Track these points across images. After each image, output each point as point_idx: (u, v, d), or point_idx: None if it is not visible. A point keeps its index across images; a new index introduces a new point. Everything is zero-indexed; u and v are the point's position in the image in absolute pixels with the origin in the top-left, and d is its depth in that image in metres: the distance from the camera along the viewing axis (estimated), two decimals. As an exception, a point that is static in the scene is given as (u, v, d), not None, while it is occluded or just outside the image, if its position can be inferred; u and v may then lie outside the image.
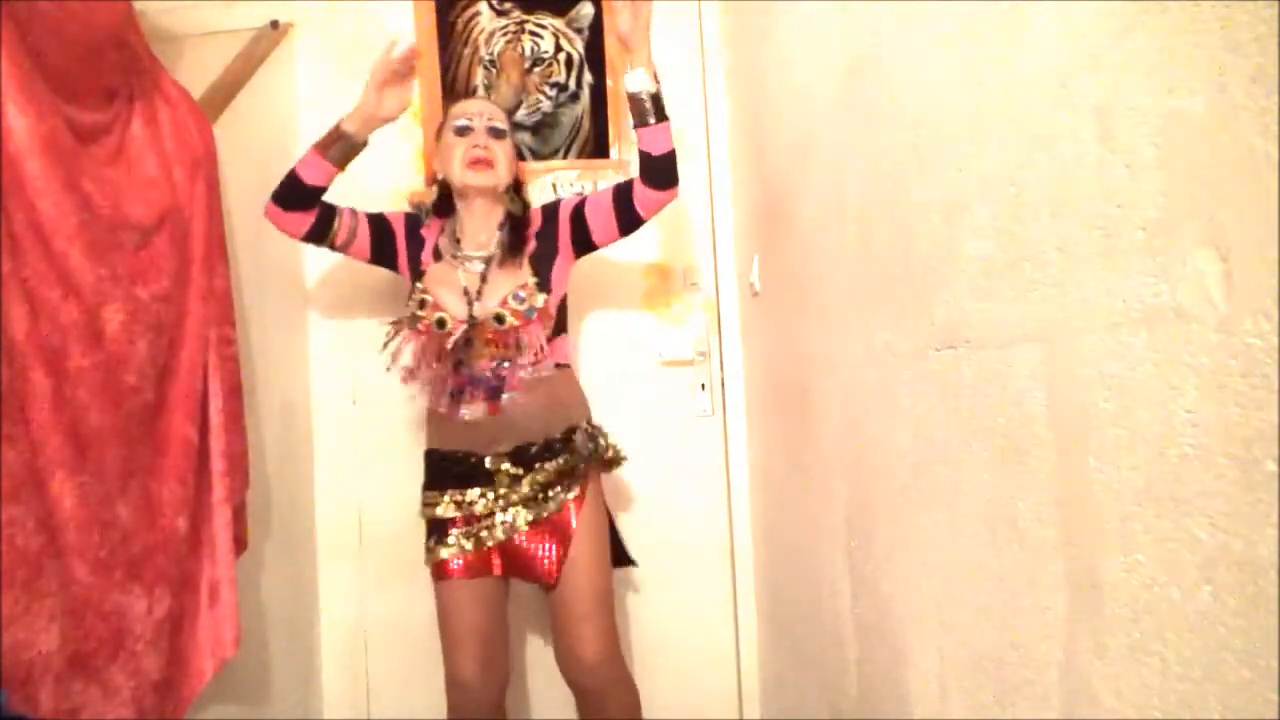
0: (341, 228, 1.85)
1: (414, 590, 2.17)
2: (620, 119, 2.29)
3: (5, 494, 1.25)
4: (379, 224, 1.90)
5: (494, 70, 2.28)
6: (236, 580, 1.67)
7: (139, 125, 1.61)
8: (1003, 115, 0.90)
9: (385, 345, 1.81)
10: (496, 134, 1.85)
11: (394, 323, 1.83)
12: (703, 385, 2.27)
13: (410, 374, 1.82)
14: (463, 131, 1.84)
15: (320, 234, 1.85)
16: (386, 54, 1.78)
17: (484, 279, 1.81)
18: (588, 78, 2.29)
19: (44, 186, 1.35)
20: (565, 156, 2.29)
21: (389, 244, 1.89)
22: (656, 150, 1.75)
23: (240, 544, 1.77)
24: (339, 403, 2.25)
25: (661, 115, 1.75)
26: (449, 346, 1.76)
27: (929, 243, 1.08)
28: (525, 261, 1.83)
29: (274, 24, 2.16)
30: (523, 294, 1.78)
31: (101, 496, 1.41)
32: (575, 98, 2.29)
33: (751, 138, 2.02)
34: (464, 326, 1.76)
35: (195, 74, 1.88)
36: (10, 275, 1.29)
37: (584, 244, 1.87)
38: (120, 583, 1.44)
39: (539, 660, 2.21)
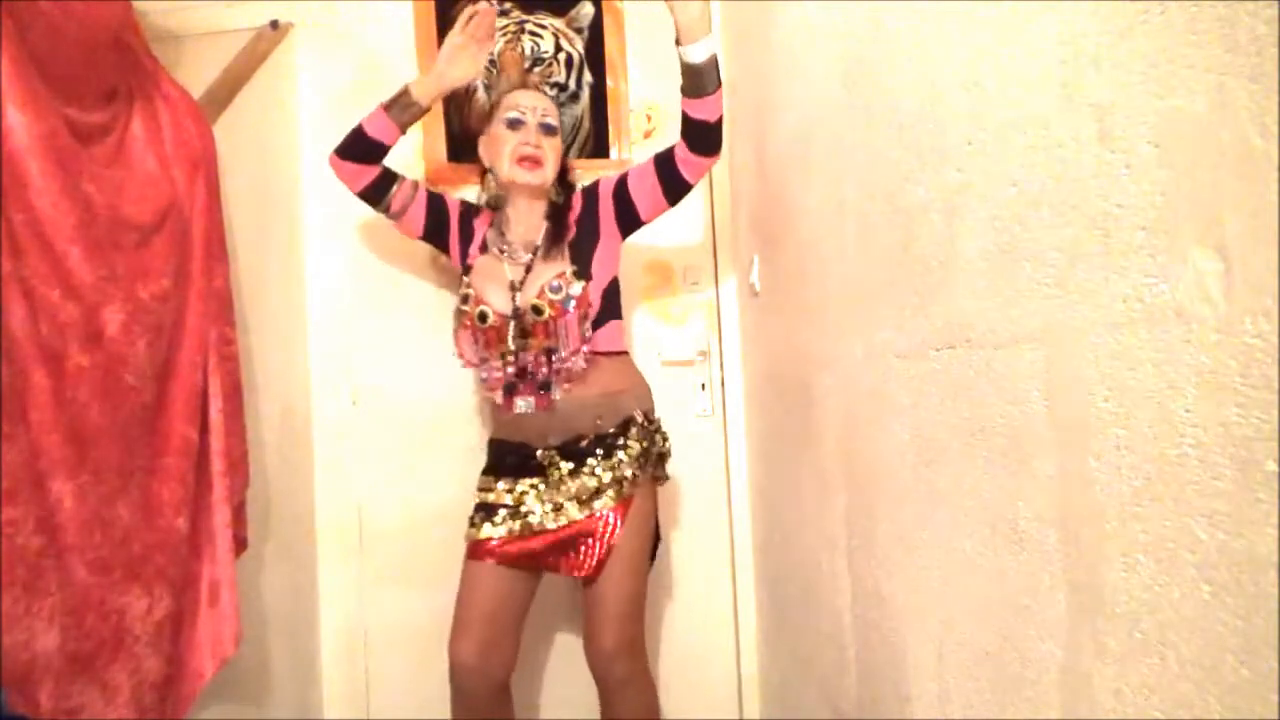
0: (399, 194, 1.87)
1: (414, 590, 2.17)
2: (621, 119, 2.29)
3: (5, 494, 1.25)
4: (436, 203, 1.91)
5: (494, 70, 2.28)
6: (236, 580, 1.67)
7: (139, 125, 1.62)
8: (1003, 115, 0.90)
9: (459, 351, 1.83)
10: (549, 130, 1.85)
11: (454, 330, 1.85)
12: (703, 385, 2.27)
13: (478, 376, 1.83)
14: (514, 125, 1.84)
15: (377, 195, 1.87)
16: (465, 21, 1.79)
17: (528, 270, 1.81)
18: (588, 78, 2.29)
19: (44, 186, 1.35)
20: (565, 156, 2.29)
21: (443, 225, 1.91)
22: (712, 117, 1.73)
23: (240, 544, 1.77)
24: (339, 403, 2.25)
25: (719, 81, 1.72)
26: (510, 344, 1.76)
27: (929, 243, 1.08)
28: (565, 250, 1.82)
29: (274, 24, 2.16)
30: (558, 283, 1.77)
31: (101, 496, 1.42)
32: (575, 98, 2.29)
33: (751, 137, 2.02)
34: (511, 321, 1.76)
35: (195, 74, 1.89)
36: (10, 275, 1.30)
37: (630, 221, 1.86)
38: (120, 583, 1.44)
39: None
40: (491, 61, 2.29)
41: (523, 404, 1.78)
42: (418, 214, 1.89)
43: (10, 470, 1.27)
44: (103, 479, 1.42)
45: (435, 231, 1.92)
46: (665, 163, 1.80)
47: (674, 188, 1.82)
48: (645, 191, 1.83)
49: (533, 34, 2.29)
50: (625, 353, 1.89)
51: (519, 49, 2.29)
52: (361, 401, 2.26)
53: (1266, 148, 0.58)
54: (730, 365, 2.26)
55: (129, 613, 1.45)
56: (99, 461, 1.42)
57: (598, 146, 2.29)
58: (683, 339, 2.28)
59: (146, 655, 1.47)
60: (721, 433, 2.28)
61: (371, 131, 1.81)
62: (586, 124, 2.30)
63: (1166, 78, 0.66)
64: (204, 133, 1.76)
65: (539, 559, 1.79)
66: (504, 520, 1.77)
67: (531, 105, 1.86)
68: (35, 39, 1.35)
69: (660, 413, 2.25)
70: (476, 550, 1.80)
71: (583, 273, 1.79)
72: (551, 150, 1.84)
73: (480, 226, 1.90)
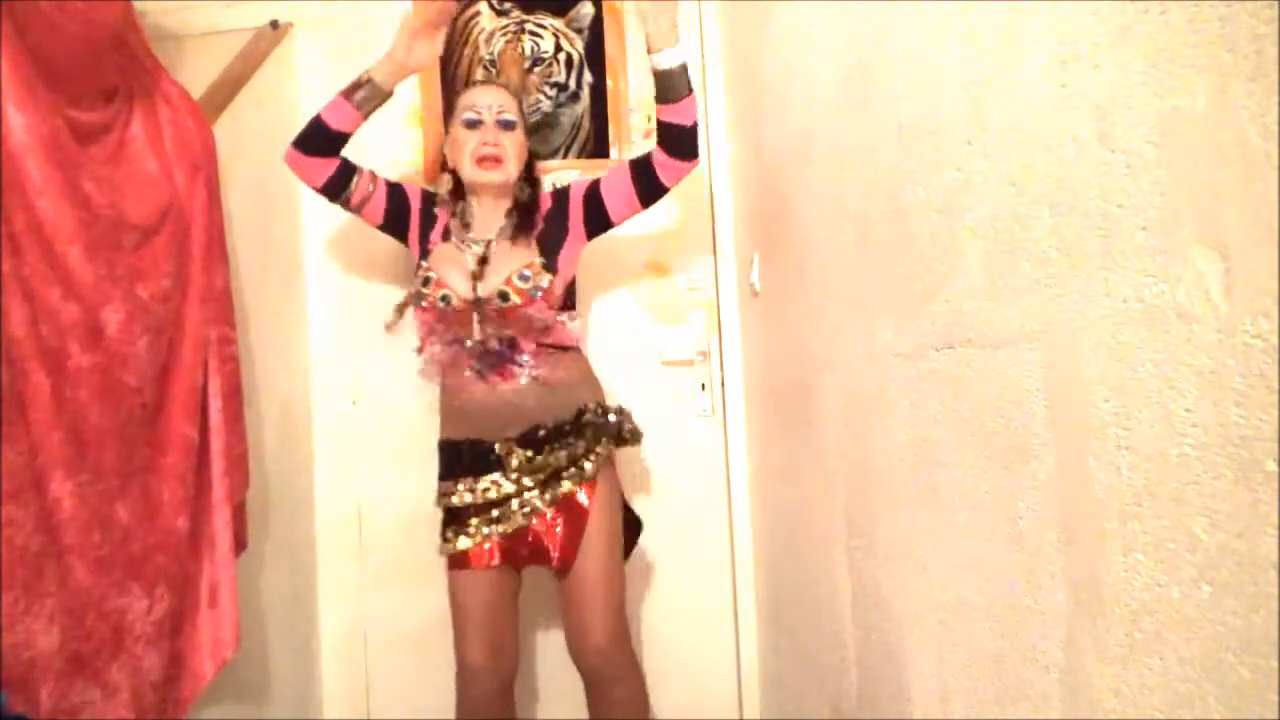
0: (359, 187, 1.85)
1: (414, 590, 2.17)
2: (621, 119, 2.29)
3: (5, 494, 1.25)
4: (396, 192, 1.90)
5: (494, 70, 2.28)
6: (236, 580, 1.67)
7: (139, 125, 1.61)
8: (1003, 115, 0.90)
9: (391, 323, 1.84)
10: (506, 126, 1.84)
11: (399, 306, 1.86)
12: (703, 385, 2.27)
13: (428, 356, 1.84)
14: (472, 125, 1.83)
15: (338, 188, 1.84)
16: (421, 2, 1.76)
17: (485, 260, 1.81)
18: (588, 78, 2.29)
19: (44, 186, 1.35)
20: (565, 156, 2.29)
21: (403, 214, 1.89)
22: (687, 121, 1.75)
23: (240, 544, 1.77)
24: (339, 403, 2.25)
25: (690, 87, 1.74)
26: (474, 326, 1.78)
27: (929, 243, 1.08)
28: (533, 242, 1.83)
29: (274, 24, 2.16)
30: (528, 273, 1.78)
31: (101, 496, 1.41)
32: (575, 98, 2.29)
33: (751, 138, 2.02)
34: (475, 311, 1.78)
35: (195, 74, 1.88)
36: (10, 275, 1.29)
37: (599, 224, 1.87)
38: (120, 582, 1.44)
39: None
40: (491, 61, 2.29)
41: (480, 391, 1.79)
42: (378, 204, 1.87)
43: (10, 470, 1.27)
44: (103, 479, 1.42)
45: (395, 220, 1.89)
46: (643, 167, 1.81)
47: (650, 191, 1.83)
48: (618, 194, 1.84)
49: (533, 34, 2.29)
50: (577, 348, 1.91)
51: (519, 49, 2.29)
52: (361, 401, 2.25)
53: (1266, 148, 0.58)
54: (730, 365, 2.26)
55: (129, 613, 1.45)
56: (99, 461, 1.42)
57: (598, 146, 2.29)
58: (683, 339, 2.28)
59: (146, 655, 1.47)
60: (721, 433, 2.28)
61: (334, 122, 1.78)
62: (586, 124, 2.30)
63: (1166, 78, 0.66)
64: (204, 133, 1.75)
65: (515, 555, 1.80)
66: (476, 528, 1.78)
67: (488, 103, 1.84)
68: (35, 39, 1.35)
69: (660, 413, 2.26)
70: (456, 560, 1.80)
71: (550, 266, 1.80)
72: (512, 146, 1.84)
73: (444, 214, 1.90)
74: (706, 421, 2.28)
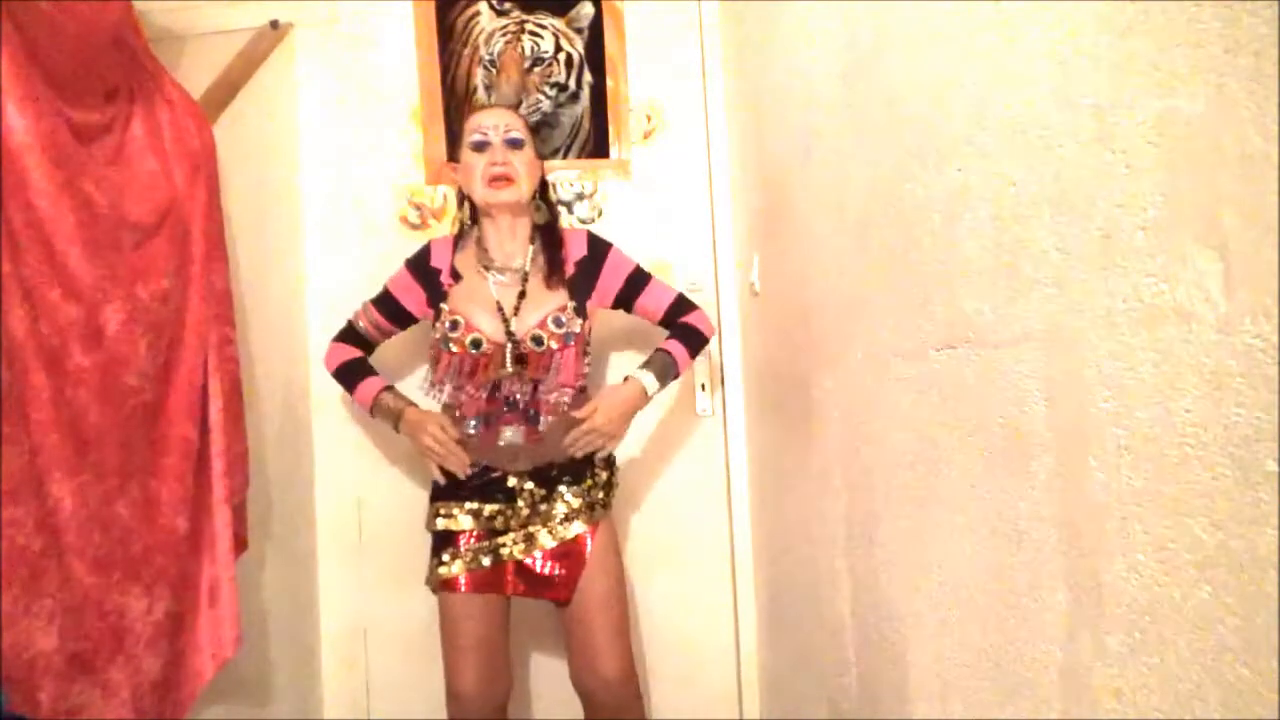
0: (373, 336, 1.97)
1: (414, 590, 2.17)
2: (621, 119, 2.29)
3: (5, 494, 1.25)
4: (387, 304, 1.94)
5: (494, 70, 2.28)
6: (236, 580, 1.67)
7: (139, 125, 1.61)
8: (1003, 115, 0.90)
9: (429, 377, 1.86)
10: (514, 145, 1.84)
11: (431, 356, 1.87)
12: (703, 385, 2.27)
13: (453, 399, 1.85)
14: (480, 147, 1.83)
15: (371, 351, 1.98)
16: (441, 446, 1.82)
17: (522, 295, 1.82)
18: (588, 78, 2.29)
19: (44, 186, 1.35)
20: (565, 156, 2.29)
21: (404, 310, 1.94)
22: (691, 362, 1.92)
23: (240, 544, 1.77)
24: (339, 402, 2.25)
25: (677, 371, 1.89)
26: (503, 371, 1.78)
27: (929, 243, 1.08)
28: (563, 285, 1.84)
29: (274, 24, 2.16)
30: (562, 318, 1.79)
31: (101, 496, 1.41)
32: (575, 98, 2.29)
33: (751, 138, 2.02)
34: (508, 348, 1.78)
35: (195, 74, 1.88)
36: (10, 275, 1.29)
37: (624, 307, 1.94)
38: (120, 583, 1.44)
39: (542, 670, 2.21)
40: (491, 61, 2.29)
41: (510, 433, 1.79)
42: (384, 326, 1.96)
43: (10, 470, 1.27)
44: (103, 479, 1.42)
45: (404, 318, 1.95)
46: (669, 324, 1.92)
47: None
48: (649, 313, 1.93)
49: (533, 34, 2.29)
50: (586, 388, 1.93)
51: (519, 49, 2.29)
52: (361, 401, 2.25)
53: (1266, 148, 0.58)
54: (730, 365, 2.26)
55: (129, 613, 1.45)
56: (99, 461, 1.42)
57: (598, 146, 2.29)
58: (683, 339, 2.27)
59: (146, 655, 1.47)
60: (721, 433, 2.28)
61: (357, 399, 1.95)
62: (586, 124, 2.30)
63: (1166, 78, 0.66)
64: (204, 133, 1.75)
65: (510, 584, 1.81)
66: (474, 556, 1.78)
67: (493, 124, 1.84)
68: (35, 39, 1.35)
69: (660, 412, 2.26)
70: (449, 584, 1.80)
71: (580, 310, 1.82)
72: (522, 164, 1.84)
73: (441, 260, 1.89)
74: (706, 421, 2.28)
